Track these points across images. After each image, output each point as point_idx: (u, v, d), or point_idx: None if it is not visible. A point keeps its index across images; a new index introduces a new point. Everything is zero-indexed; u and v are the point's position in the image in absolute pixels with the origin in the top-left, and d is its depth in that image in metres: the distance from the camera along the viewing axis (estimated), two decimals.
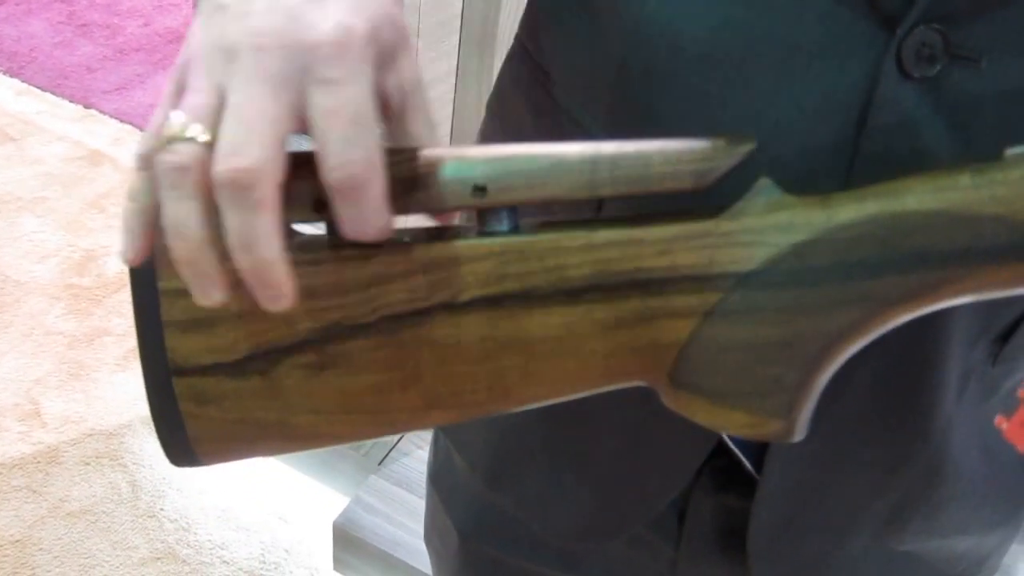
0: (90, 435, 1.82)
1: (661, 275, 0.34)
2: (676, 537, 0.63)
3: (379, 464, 1.63)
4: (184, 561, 1.64)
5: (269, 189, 0.31)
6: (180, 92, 0.36)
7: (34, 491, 1.72)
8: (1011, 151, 0.33)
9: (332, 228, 0.34)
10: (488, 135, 0.64)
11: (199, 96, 0.34)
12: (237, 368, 0.34)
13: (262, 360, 0.34)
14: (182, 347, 0.34)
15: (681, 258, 0.34)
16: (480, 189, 0.33)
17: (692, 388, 0.36)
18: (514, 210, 0.35)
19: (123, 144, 2.50)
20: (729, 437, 0.55)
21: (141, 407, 1.86)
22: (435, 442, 0.78)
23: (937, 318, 0.46)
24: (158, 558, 1.64)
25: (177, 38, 2.86)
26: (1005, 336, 0.51)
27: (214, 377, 0.34)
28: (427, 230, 0.36)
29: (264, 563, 1.65)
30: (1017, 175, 0.33)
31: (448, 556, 0.77)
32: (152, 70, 2.75)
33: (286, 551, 1.68)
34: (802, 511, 0.57)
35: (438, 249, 0.34)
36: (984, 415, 0.56)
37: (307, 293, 0.33)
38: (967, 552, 0.63)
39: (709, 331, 0.34)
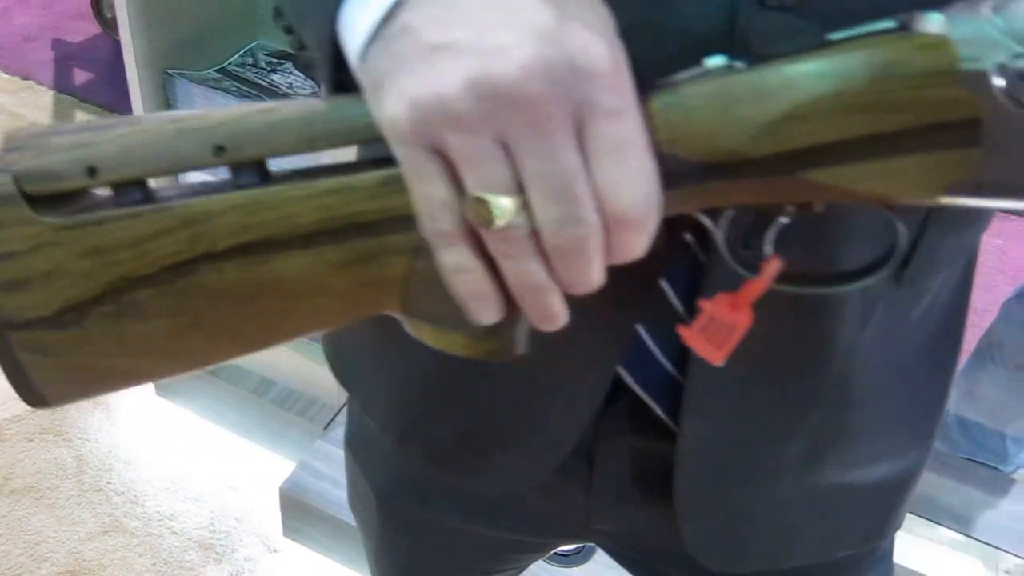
0: (33, 411, 1.79)
1: (375, 217, 0.37)
2: (587, 483, 0.62)
3: (324, 428, 1.61)
4: (132, 534, 1.63)
5: (597, 245, 0.34)
6: (441, 155, 0.33)
7: None
8: (834, 35, 0.33)
9: (118, 187, 0.37)
10: None
11: (490, 167, 0.33)
12: (55, 321, 0.38)
13: (73, 312, 0.38)
14: (8, 305, 0.38)
15: (389, 201, 0.36)
16: (220, 148, 0.36)
17: (419, 316, 0.39)
18: (262, 163, 0.37)
19: (62, 117, 2.44)
20: (634, 380, 0.55)
21: None
22: (349, 406, 0.77)
23: (827, 248, 0.45)
24: (105, 532, 1.62)
25: None
26: (905, 261, 0.50)
27: (39, 330, 0.38)
28: (192, 186, 0.38)
29: (214, 532, 1.64)
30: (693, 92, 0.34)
31: (370, 519, 0.77)
32: (93, 41, 2.68)
33: (236, 519, 1.66)
34: (724, 462, 0.57)
35: (196, 204, 0.37)
36: (895, 340, 0.55)
37: (96, 251, 0.37)
38: (889, 477, 0.63)
39: (421, 265, 0.37)
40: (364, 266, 0.38)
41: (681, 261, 0.48)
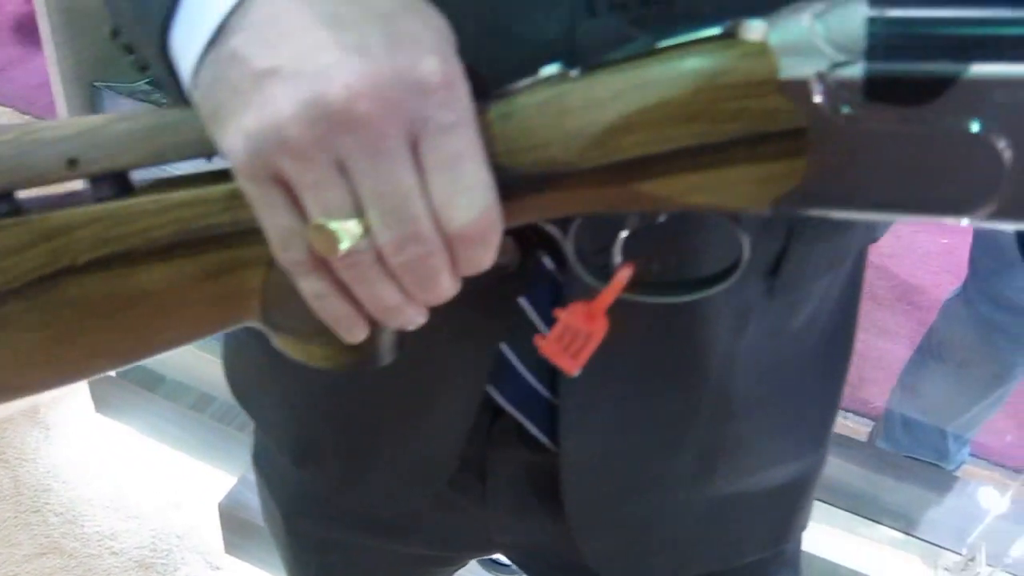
0: None
1: (229, 229, 0.36)
2: (482, 497, 0.62)
3: None
4: (71, 555, 1.59)
5: (442, 261, 0.34)
6: (283, 184, 0.32)
7: None
8: (663, 43, 0.32)
9: None
10: None
11: (328, 191, 0.32)
12: None
13: None
14: None
15: (242, 213, 0.35)
16: (72, 161, 0.35)
17: (279, 328, 0.39)
18: (122, 175, 0.37)
19: None
20: (505, 399, 0.54)
21: (20, 400, 1.79)
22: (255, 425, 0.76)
23: (683, 257, 0.45)
24: (43, 554, 1.59)
25: None
26: (773, 271, 0.50)
27: None
28: (50, 198, 0.37)
29: (155, 551, 1.61)
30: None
31: (279, 536, 0.76)
32: (31, 52, 2.64)
33: (178, 537, 1.63)
34: (610, 476, 0.56)
35: (56, 218, 0.36)
36: (778, 348, 0.55)
37: None
38: (786, 482, 0.63)
39: (276, 277, 0.37)
40: (222, 278, 0.37)
41: (540, 278, 0.48)
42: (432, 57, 0.31)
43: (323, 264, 0.34)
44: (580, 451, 0.54)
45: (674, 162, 0.31)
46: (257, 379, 0.65)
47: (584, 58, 0.33)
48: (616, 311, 0.46)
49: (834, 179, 0.30)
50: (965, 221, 0.29)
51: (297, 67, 0.31)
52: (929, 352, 1.70)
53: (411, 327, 0.37)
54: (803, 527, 0.68)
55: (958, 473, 1.75)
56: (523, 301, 0.49)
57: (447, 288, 0.35)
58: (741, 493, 0.61)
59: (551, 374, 0.52)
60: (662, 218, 0.36)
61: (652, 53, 0.32)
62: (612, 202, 0.34)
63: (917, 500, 1.53)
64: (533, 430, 0.55)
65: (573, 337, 0.39)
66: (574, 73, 0.33)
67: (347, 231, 0.32)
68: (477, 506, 0.62)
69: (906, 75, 0.27)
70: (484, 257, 0.34)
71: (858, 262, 0.58)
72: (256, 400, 0.67)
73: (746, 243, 0.36)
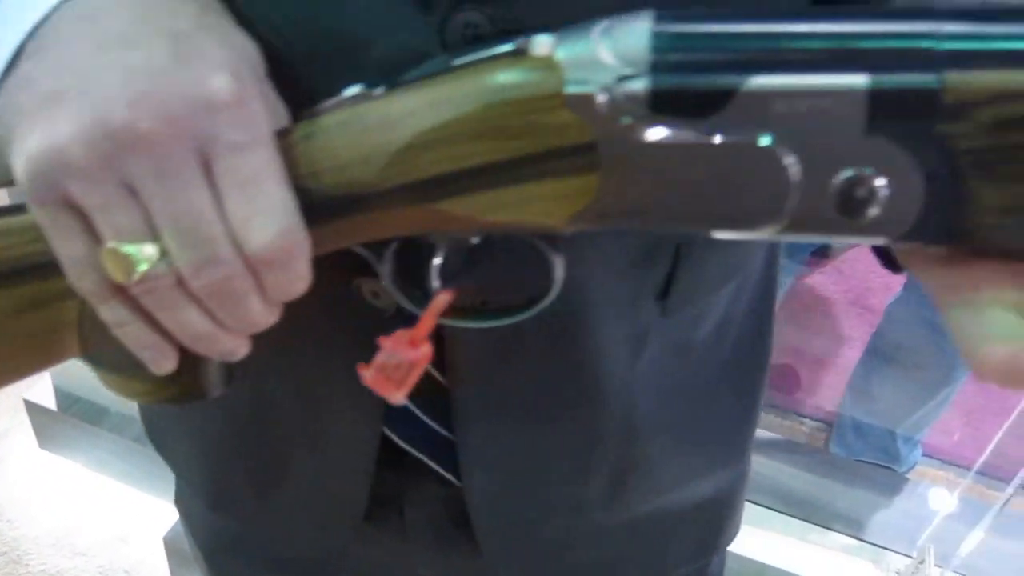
0: None
1: (40, 260, 0.34)
2: (402, 531, 0.60)
3: None
4: None
5: (246, 285, 0.33)
6: (67, 204, 0.31)
7: None
8: (458, 60, 0.32)
9: None
10: None
11: (118, 214, 0.31)
12: None
13: None
14: None
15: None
16: None
17: (99, 363, 0.37)
18: None
19: None
20: (401, 438, 0.53)
21: None
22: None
23: (576, 292, 0.45)
24: None
25: None
26: (665, 291, 0.49)
27: None
28: None
29: None
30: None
31: (203, 573, 0.74)
32: None
33: (126, 572, 1.60)
34: (519, 507, 0.56)
35: None
36: (683, 366, 0.54)
37: None
38: (705, 496, 0.62)
39: (91, 309, 0.35)
40: (39, 311, 0.36)
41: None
42: (222, 75, 0.31)
43: (121, 291, 0.33)
44: (484, 484, 0.54)
45: (471, 180, 0.31)
46: (169, 422, 0.64)
47: (386, 76, 0.33)
48: (502, 343, 0.46)
49: (628, 194, 0.29)
50: (760, 235, 0.29)
51: (82, 89, 0.30)
52: (876, 355, 1.71)
53: (234, 357, 0.36)
54: (730, 539, 0.68)
55: (910, 475, 1.75)
56: None
57: (259, 314, 0.34)
58: (659, 511, 0.60)
59: (445, 412, 0.51)
60: (475, 240, 0.36)
61: (448, 71, 0.31)
62: (418, 223, 0.33)
63: (868, 504, 1.53)
64: (434, 466, 0.54)
65: (397, 366, 0.38)
66: (378, 92, 0.33)
67: (142, 255, 0.31)
68: (398, 541, 0.61)
69: (689, 87, 0.28)
70: (292, 281, 0.33)
71: (769, 269, 0.58)
72: (170, 444, 0.66)
73: (558, 263, 0.36)
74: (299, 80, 0.36)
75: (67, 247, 0.33)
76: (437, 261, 0.36)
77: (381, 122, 0.32)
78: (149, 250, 0.31)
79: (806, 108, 0.26)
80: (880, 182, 0.27)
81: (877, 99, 0.26)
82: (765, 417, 2.03)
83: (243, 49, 0.33)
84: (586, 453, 0.54)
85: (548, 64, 0.29)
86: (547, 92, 0.29)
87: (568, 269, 0.43)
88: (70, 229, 0.32)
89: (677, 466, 0.58)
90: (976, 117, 0.25)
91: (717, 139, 0.28)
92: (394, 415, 0.52)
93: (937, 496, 1.53)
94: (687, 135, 0.28)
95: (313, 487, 0.58)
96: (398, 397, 0.38)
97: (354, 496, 0.56)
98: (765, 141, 0.27)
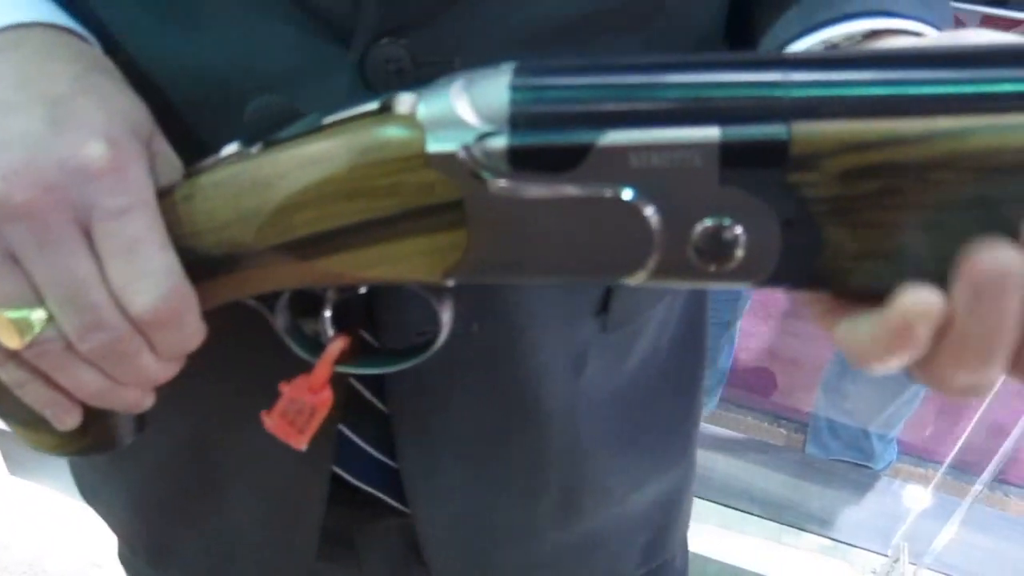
0: None
1: None
2: (357, 566, 0.60)
3: None
4: None
5: (136, 346, 0.33)
6: None
7: None
8: (327, 119, 0.32)
9: None
10: None
11: (1, 283, 0.31)
12: None
13: None
14: None
15: None
16: None
17: (8, 418, 0.37)
18: None
19: None
20: (354, 476, 0.54)
21: None
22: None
23: (512, 318, 0.46)
24: None
25: None
26: (603, 308, 0.49)
27: None
28: None
29: None
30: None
31: None
32: None
33: None
34: (471, 533, 0.56)
35: None
36: (624, 377, 0.54)
37: None
38: (654, 500, 0.62)
39: None
40: None
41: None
42: (97, 142, 0.31)
43: (14, 354, 0.33)
44: (433, 513, 0.54)
45: (345, 239, 0.31)
46: (100, 476, 0.62)
47: (259, 135, 0.33)
48: (442, 372, 0.47)
49: (498, 248, 0.30)
50: (630, 283, 0.29)
51: None
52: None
53: (139, 409, 0.36)
54: (682, 538, 0.68)
55: (887, 472, 1.75)
56: (354, 382, 0.49)
57: (155, 370, 0.34)
58: (611, 521, 0.60)
59: (391, 443, 0.51)
60: (362, 290, 0.37)
61: (318, 129, 0.32)
62: (300, 279, 0.33)
63: (842, 504, 1.53)
64: (387, 499, 0.54)
65: (298, 411, 0.38)
66: (254, 150, 0.33)
67: (31, 319, 0.31)
68: (353, 573, 0.61)
69: (546, 144, 0.28)
70: (183, 339, 0.34)
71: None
72: (103, 498, 0.64)
73: (444, 311, 0.36)
74: (218, 127, 0.36)
75: None
76: (327, 313, 0.37)
77: (255, 183, 0.32)
78: (38, 315, 0.31)
79: (662, 161, 0.27)
80: (738, 230, 0.27)
81: (729, 151, 0.26)
82: (743, 420, 2.02)
83: (125, 110, 0.33)
84: (534, 474, 0.54)
85: (410, 123, 0.30)
86: (410, 152, 0.30)
87: (503, 296, 0.44)
88: None
89: (624, 475, 0.58)
90: (824, 168, 0.26)
91: (577, 193, 0.28)
92: (343, 452, 0.52)
93: (911, 493, 1.52)
94: (548, 190, 0.28)
95: (263, 535, 0.57)
96: (301, 443, 0.38)
97: (304, 538, 0.56)
98: (625, 194, 0.28)
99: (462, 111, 0.29)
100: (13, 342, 0.31)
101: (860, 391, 1.68)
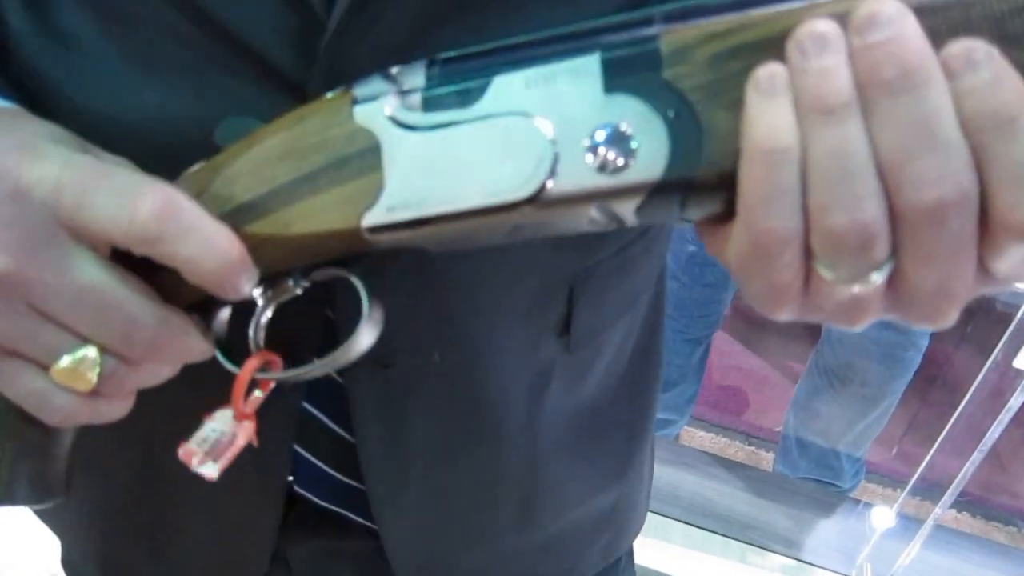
0: None
1: None
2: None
3: None
4: None
5: (132, 380, 0.36)
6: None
7: None
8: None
9: None
10: None
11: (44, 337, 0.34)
12: None
13: None
14: None
15: None
16: None
17: None
18: None
19: None
20: (313, 495, 0.55)
21: None
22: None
23: (474, 341, 0.47)
24: None
25: None
26: (566, 327, 0.50)
27: None
28: None
29: None
30: None
31: None
32: None
33: None
34: (434, 547, 0.57)
35: None
36: (584, 390, 0.55)
37: None
38: (610, 503, 0.63)
39: None
40: None
41: (320, 384, 0.46)
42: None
43: (96, 391, 0.35)
44: (397, 529, 0.55)
45: (275, 199, 0.35)
46: None
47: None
48: (404, 394, 0.48)
49: (409, 183, 0.33)
50: (537, 207, 0.31)
51: None
52: (814, 373, 1.71)
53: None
54: (635, 535, 0.70)
55: (852, 493, 1.75)
56: (310, 407, 0.50)
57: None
58: (569, 526, 0.61)
59: (355, 467, 0.51)
60: (299, 291, 0.38)
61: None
62: None
63: (808, 524, 1.52)
64: (353, 517, 0.56)
65: (217, 440, 0.39)
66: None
67: (87, 358, 0.34)
68: None
69: (453, 88, 0.33)
70: (161, 370, 0.37)
71: (658, 285, 0.59)
72: (55, 513, 0.63)
73: (363, 293, 0.37)
74: (174, 175, 0.38)
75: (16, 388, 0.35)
76: (256, 325, 0.39)
77: (211, 169, 0.36)
78: (89, 351, 0.34)
79: (553, 86, 0.31)
80: (628, 130, 0.30)
81: (609, 64, 0.31)
82: (716, 440, 2.02)
83: (34, 191, 0.33)
84: (494, 485, 0.55)
85: (343, 93, 0.35)
86: (339, 109, 0.34)
87: (464, 323, 0.46)
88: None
89: (581, 482, 0.59)
90: (694, 58, 0.30)
91: (478, 117, 0.32)
92: (307, 478, 0.53)
93: (876, 514, 1.52)
94: (453, 116, 0.33)
95: (215, 555, 0.57)
96: (214, 473, 0.38)
97: (258, 559, 0.56)
98: (520, 112, 0.32)
99: (387, 83, 0.34)
100: (86, 384, 0.34)
101: (830, 410, 1.68)
